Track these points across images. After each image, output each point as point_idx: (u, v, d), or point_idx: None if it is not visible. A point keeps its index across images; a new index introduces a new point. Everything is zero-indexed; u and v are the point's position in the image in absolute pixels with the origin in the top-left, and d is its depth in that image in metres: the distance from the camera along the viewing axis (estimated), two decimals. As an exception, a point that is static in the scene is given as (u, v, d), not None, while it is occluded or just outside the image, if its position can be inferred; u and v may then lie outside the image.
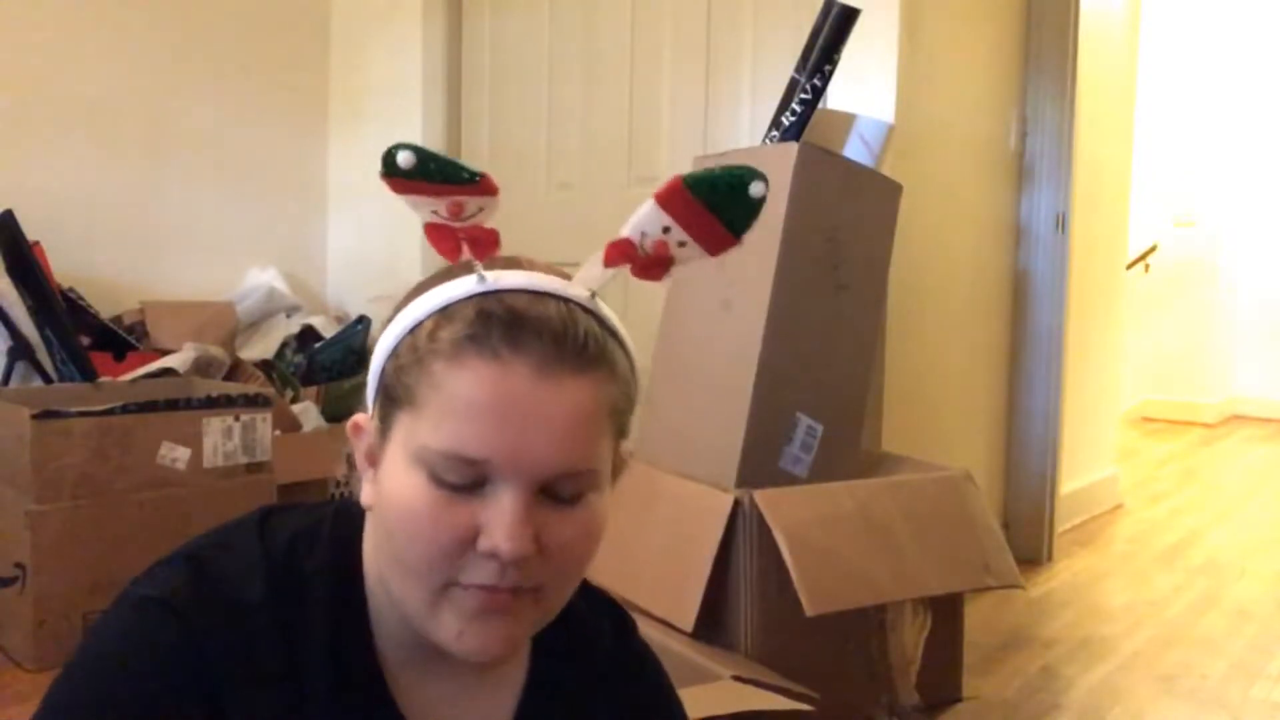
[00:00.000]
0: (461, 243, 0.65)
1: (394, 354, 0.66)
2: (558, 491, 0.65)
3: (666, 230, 0.68)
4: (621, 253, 0.67)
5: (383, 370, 0.67)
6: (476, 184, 0.64)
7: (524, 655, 0.78)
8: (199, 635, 0.65)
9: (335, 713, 0.68)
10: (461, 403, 0.62)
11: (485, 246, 0.66)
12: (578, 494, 0.66)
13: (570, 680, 0.79)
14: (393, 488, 0.65)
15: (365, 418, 0.70)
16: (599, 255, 0.69)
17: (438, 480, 0.63)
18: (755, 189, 0.68)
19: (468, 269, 0.66)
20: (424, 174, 0.63)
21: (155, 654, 0.64)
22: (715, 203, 0.67)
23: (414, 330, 0.65)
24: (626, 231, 0.67)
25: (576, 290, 0.68)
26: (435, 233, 0.65)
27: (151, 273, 3.31)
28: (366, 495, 0.69)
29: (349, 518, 0.74)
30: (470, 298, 0.65)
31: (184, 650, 0.64)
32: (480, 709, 0.75)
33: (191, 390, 2.64)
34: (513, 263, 0.68)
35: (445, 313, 0.65)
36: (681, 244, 0.69)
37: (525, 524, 0.63)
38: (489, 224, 0.66)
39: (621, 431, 0.70)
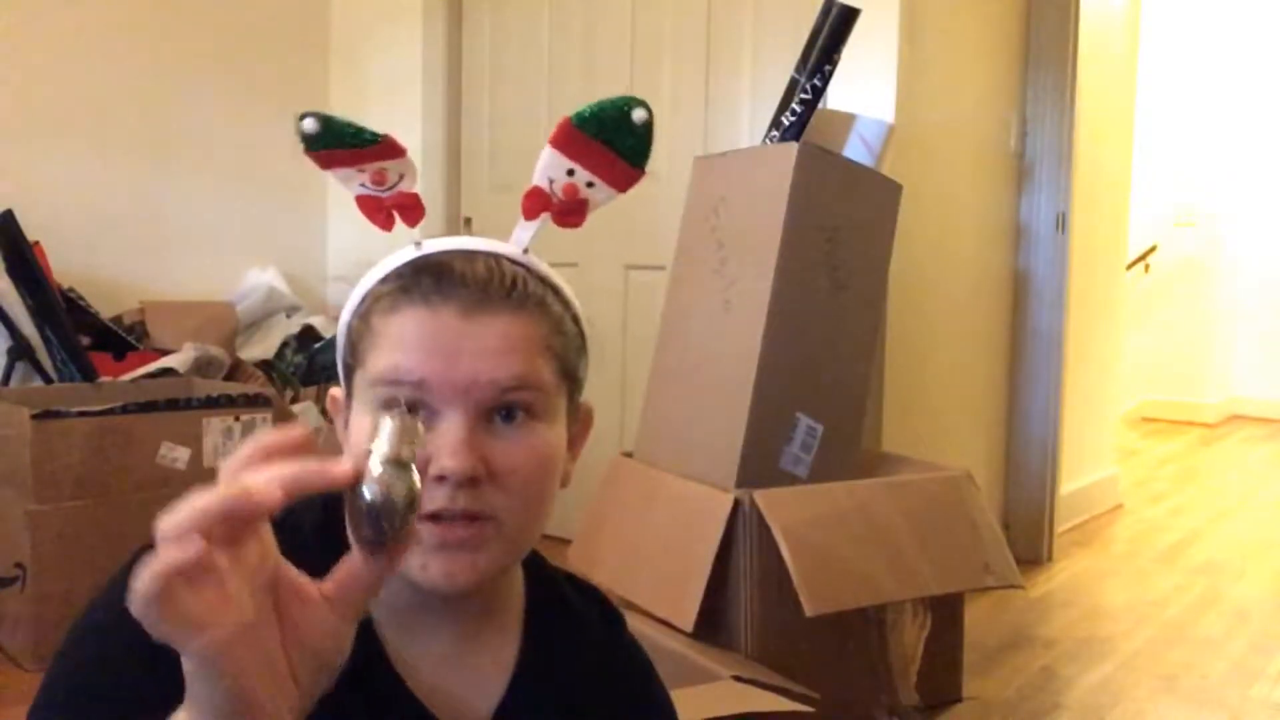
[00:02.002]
0: (391, 211, 0.71)
1: (350, 324, 0.72)
2: (499, 414, 0.69)
3: (571, 173, 0.72)
4: (535, 202, 0.74)
5: (342, 342, 0.73)
6: (379, 144, 0.69)
7: (516, 633, 0.79)
8: None
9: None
10: (395, 339, 0.68)
11: (413, 211, 0.72)
12: (520, 417, 0.69)
13: (561, 661, 0.80)
14: (352, 438, 0.70)
15: (336, 391, 0.74)
16: (518, 221, 0.73)
17: (385, 412, 0.67)
18: (637, 115, 0.71)
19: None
20: (336, 139, 0.69)
21: (144, 664, 0.65)
22: (605, 135, 0.71)
23: (362, 300, 0.71)
24: (535, 180, 0.75)
25: (507, 247, 0.73)
26: (366, 204, 0.71)
27: (151, 273, 3.31)
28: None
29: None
30: (408, 262, 0.70)
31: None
32: (473, 677, 0.76)
33: (191, 390, 2.64)
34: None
35: (387, 279, 0.70)
36: (590, 184, 0.73)
37: (468, 444, 0.66)
38: (412, 190, 0.72)
39: (568, 376, 0.73)
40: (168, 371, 2.78)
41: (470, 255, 0.71)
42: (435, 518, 0.66)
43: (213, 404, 2.38)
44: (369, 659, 0.72)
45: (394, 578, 0.71)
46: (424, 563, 0.67)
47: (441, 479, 0.66)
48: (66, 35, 3.14)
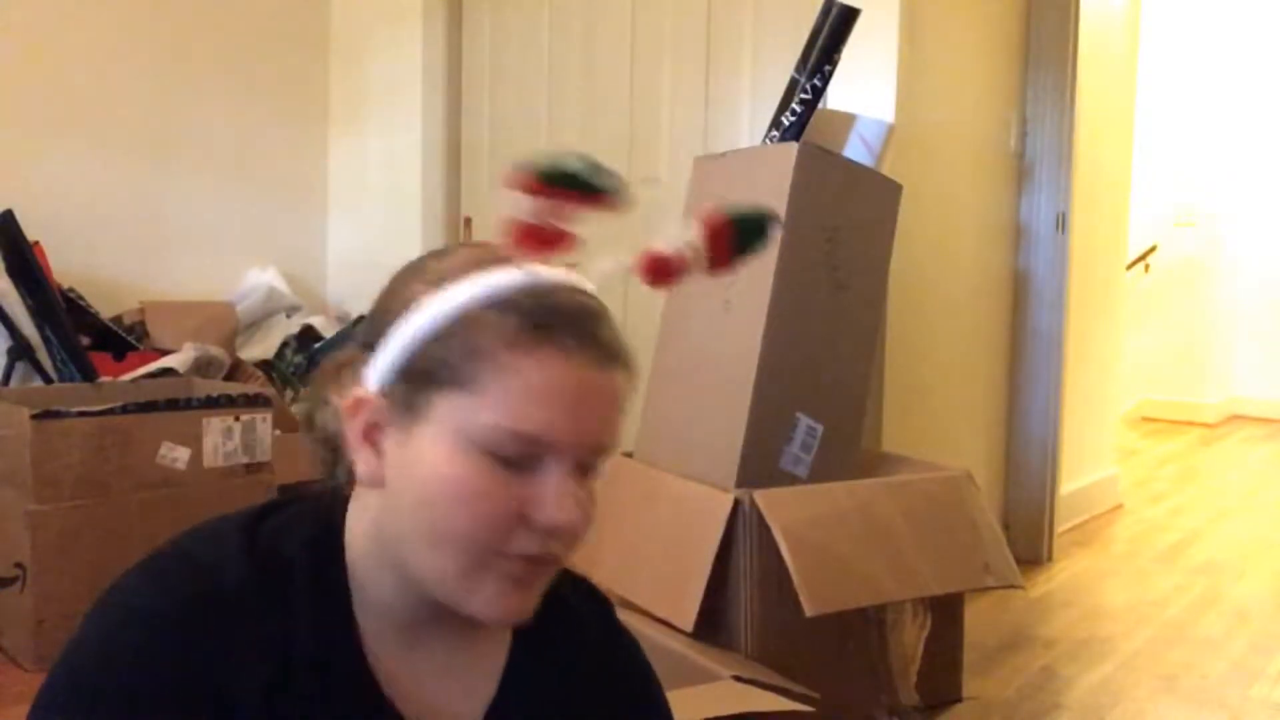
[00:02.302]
0: (539, 243, 0.71)
1: (436, 337, 0.68)
2: (586, 468, 0.70)
3: (694, 251, 0.75)
4: (659, 268, 0.73)
5: (415, 351, 0.69)
6: (606, 194, 0.72)
7: (505, 636, 0.79)
8: (182, 643, 0.67)
9: (317, 691, 0.70)
10: (535, 389, 0.66)
11: (564, 248, 0.72)
12: (597, 472, 0.72)
13: (552, 663, 0.80)
14: (436, 465, 0.67)
15: (367, 394, 0.71)
16: (615, 260, 0.74)
17: (496, 458, 0.67)
18: (773, 230, 0.77)
19: (486, 258, 0.70)
20: (581, 184, 0.72)
21: (141, 670, 0.66)
22: (745, 244, 0.76)
23: (463, 316, 0.68)
24: (668, 250, 0.74)
25: (590, 285, 0.74)
26: (520, 231, 0.70)
27: (151, 273, 3.31)
28: (369, 471, 0.71)
29: (326, 498, 0.76)
30: (520, 289, 0.69)
31: (169, 662, 0.66)
32: (462, 687, 0.77)
33: (191, 390, 2.64)
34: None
35: (501, 303, 0.68)
36: (695, 267, 0.75)
37: (575, 498, 0.68)
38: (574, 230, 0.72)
39: None
40: (168, 371, 2.78)
41: (580, 294, 0.72)
42: (531, 561, 0.69)
43: (213, 404, 2.38)
44: (354, 680, 0.72)
45: (392, 601, 0.72)
46: (495, 596, 0.69)
47: (549, 528, 0.68)
48: (67, 35, 3.14)
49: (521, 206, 0.70)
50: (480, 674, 0.78)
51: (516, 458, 0.67)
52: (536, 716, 0.79)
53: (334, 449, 0.76)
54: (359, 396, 0.71)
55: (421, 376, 0.69)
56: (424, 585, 0.70)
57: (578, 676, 0.81)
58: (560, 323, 0.68)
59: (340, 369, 0.75)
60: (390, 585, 0.72)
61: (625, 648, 0.87)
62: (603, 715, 0.82)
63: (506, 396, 0.66)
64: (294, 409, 0.76)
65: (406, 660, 0.74)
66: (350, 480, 0.75)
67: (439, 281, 0.70)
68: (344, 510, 0.75)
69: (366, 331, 0.74)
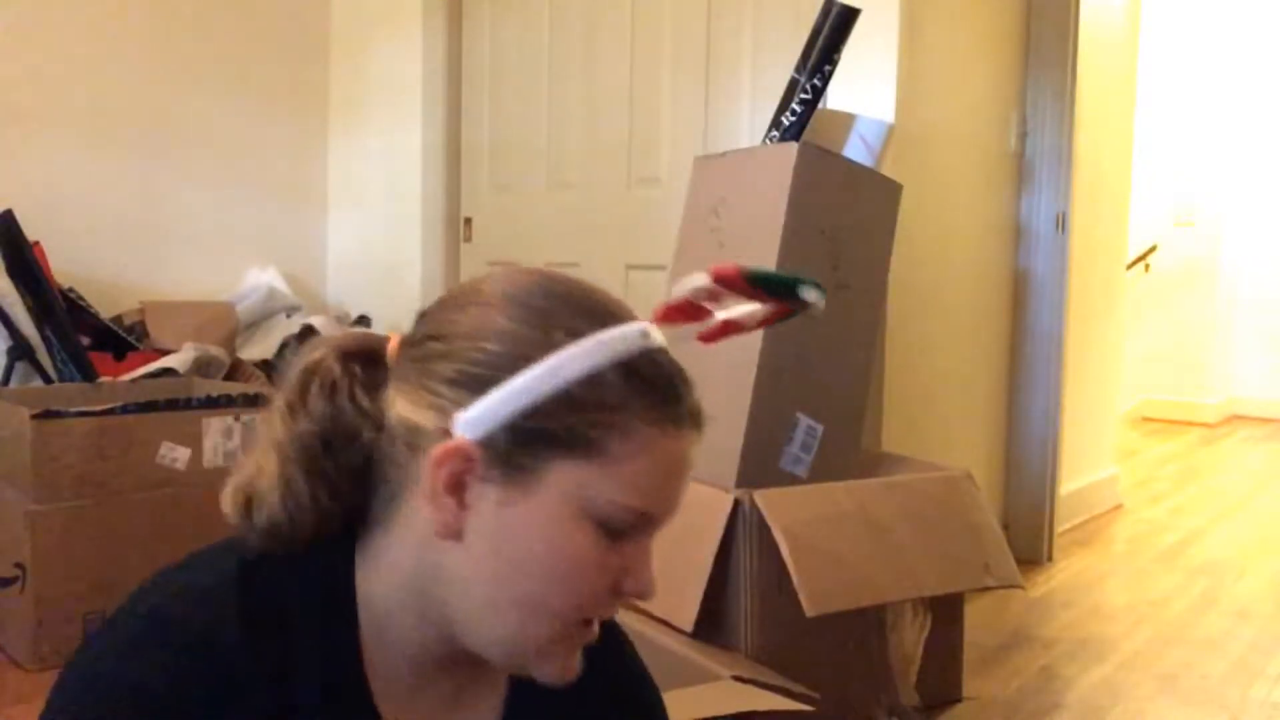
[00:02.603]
0: (686, 316, 0.73)
1: (565, 400, 0.64)
2: None
3: (750, 313, 0.77)
4: (717, 330, 0.74)
5: (538, 410, 0.64)
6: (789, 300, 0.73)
7: (503, 677, 0.79)
8: (179, 712, 0.63)
9: None
10: (661, 466, 0.66)
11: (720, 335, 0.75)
12: None
13: (551, 700, 0.79)
14: (549, 535, 0.65)
15: (468, 446, 0.65)
16: (688, 331, 0.75)
17: (608, 531, 0.66)
18: (807, 296, 0.76)
19: (596, 307, 0.68)
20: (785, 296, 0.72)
21: None
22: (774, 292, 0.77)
23: (591, 379, 0.65)
24: (741, 319, 0.74)
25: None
26: (679, 307, 0.72)
27: (151, 273, 3.31)
28: (447, 523, 0.66)
29: (334, 544, 0.71)
30: (641, 353, 0.67)
31: None
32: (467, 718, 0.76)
33: (191, 390, 2.64)
34: (614, 306, 0.71)
35: (629, 369, 0.66)
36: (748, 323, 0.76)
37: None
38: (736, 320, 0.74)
39: None
40: (168, 371, 2.78)
41: (675, 360, 0.71)
42: (589, 622, 0.69)
43: (213, 404, 2.38)
44: None
45: (406, 645, 0.70)
46: (565, 661, 0.69)
47: (639, 597, 0.69)
48: (67, 35, 3.14)
49: (698, 289, 0.72)
50: (485, 705, 0.77)
51: (624, 531, 0.66)
52: None
53: (353, 474, 0.69)
54: (456, 446, 0.65)
55: (542, 438, 0.64)
56: (476, 643, 0.68)
57: (577, 694, 0.80)
58: (680, 397, 0.68)
59: (352, 372, 0.70)
60: (412, 630, 0.70)
61: (623, 656, 0.87)
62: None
63: (635, 473, 0.65)
64: (291, 429, 0.68)
65: (413, 700, 0.72)
66: (333, 515, 0.69)
67: (562, 330, 0.66)
68: (349, 554, 0.70)
69: (443, 360, 0.67)
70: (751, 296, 0.72)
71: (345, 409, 0.70)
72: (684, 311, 0.72)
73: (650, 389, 0.66)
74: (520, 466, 0.64)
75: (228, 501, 0.70)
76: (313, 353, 0.73)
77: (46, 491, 2.16)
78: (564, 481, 0.64)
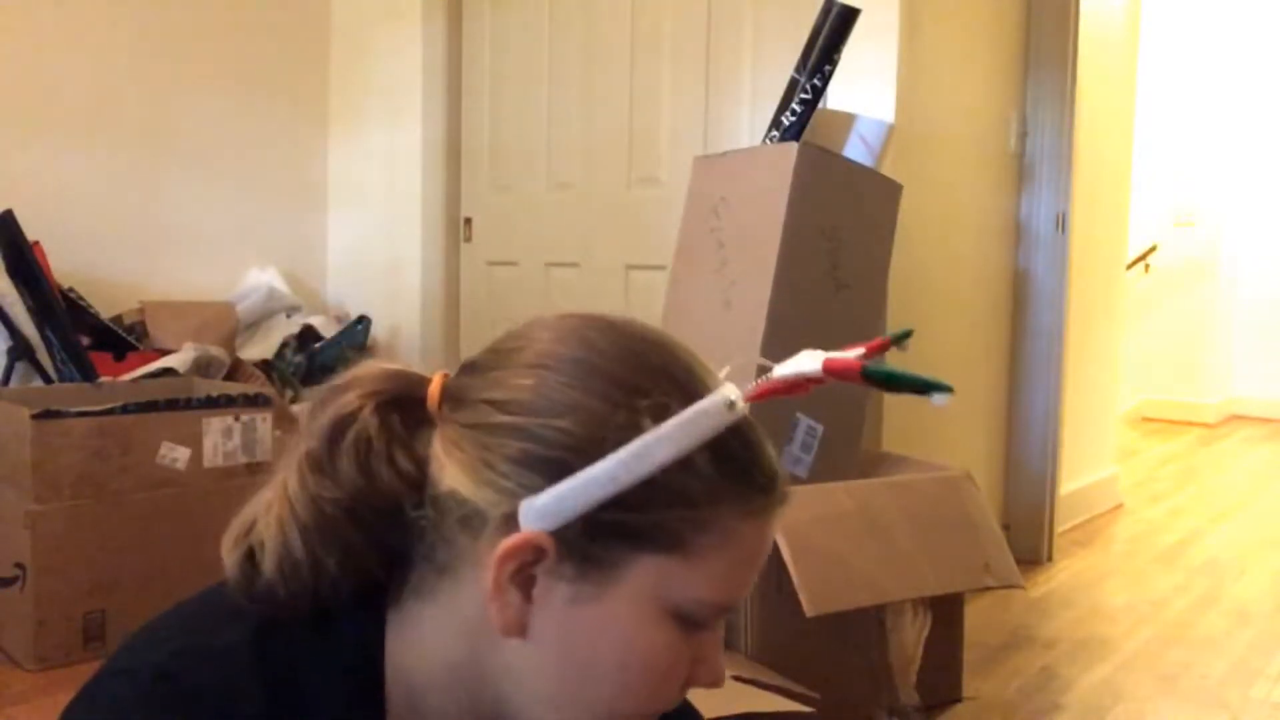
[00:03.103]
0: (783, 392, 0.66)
1: (647, 488, 0.57)
2: None
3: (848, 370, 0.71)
4: (786, 388, 0.70)
5: (618, 501, 0.57)
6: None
7: None
8: None
9: None
10: (747, 558, 0.61)
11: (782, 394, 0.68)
12: None
13: None
14: (622, 635, 0.59)
15: (540, 538, 0.58)
16: (760, 384, 0.70)
17: (687, 626, 0.60)
18: (936, 400, 0.69)
19: (685, 378, 0.61)
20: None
21: None
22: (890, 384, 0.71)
23: (682, 465, 0.58)
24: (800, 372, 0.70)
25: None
26: (777, 389, 0.66)
27: (151, 273, 3.31)
28: (509, 619, 0.59)
29: (364, 609, 0.64)
30: (728, 430, 0.60)
31: None
32: None
33: (191, 390, 2.64)
34: (690, 358, 0.65)
35: (716, 452, 0.59)
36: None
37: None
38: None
39: None
40: (168, 371, 2.78)
41: (758, 426, 0.64)
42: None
43: (213, 404, 2.38)
44: None
45: (454, 714, 0.64)
46: None
47: (711, 686, 0.64)
48: (67, 35, 3.14)
49: (801, 373, 0.65)
50: None
51: (702, 623, 0.61)
52: None
53: (386, 548, 0.62)
54: (527, 539, 0.58)
55: (623, 532, 0.58)
56: None
57: None
58: (768, 479, 0.61)
59: (390, 430, 0.62)
60: (451, 712, 0.64)
61: None
62: None
63: (725, 567, 0.60)
64: (306, 492, 0.60)
65: None
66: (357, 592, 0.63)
67: (646, 411, 0.59)
68: (381, 622, 0.63)
69: (509, 434, 0.59)
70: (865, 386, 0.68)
71: (381, 475, 0.62)
72: (782, 390, 0.67)
73: (743, 476, 0.60)
74: (597, 562, 0.58)
75: (228, 548, 0.63)
76: (344, 396, 0.63)
77: (46, 491, 2.16)
78: (645, 579, 0.58)
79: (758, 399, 0.65)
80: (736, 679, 1.67)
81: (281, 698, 0.59)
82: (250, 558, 0.62)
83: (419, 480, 0.61)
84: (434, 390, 0.64)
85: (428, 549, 0.62)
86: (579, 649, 0.59)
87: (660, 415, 0.58)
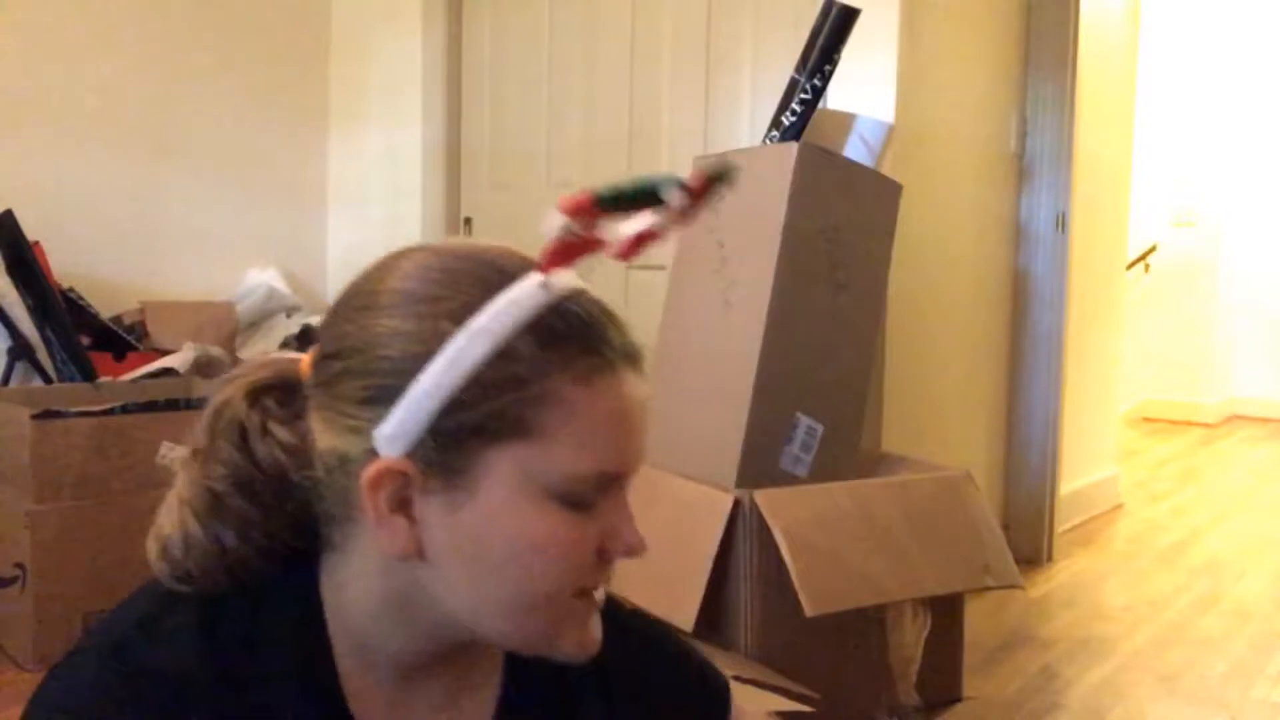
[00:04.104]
0: (571, 254, 0.65)
1: (479, 384, 0.60)
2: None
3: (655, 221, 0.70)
4: (639, 243, 0.69)
5: (453, 404, 0.60)
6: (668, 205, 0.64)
7: (499, 661, 0.76)
8: None
9: None
10: (599, 422, 0.62)
11: (591, 253, 0.66)
12: None
13: (550, 678, 0.77)
14: (512, 528, 0.61)
15: (397, 463, 0.61)
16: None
17: (573, 504, 0.62)
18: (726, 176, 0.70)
19: (487, 273, 0.63)
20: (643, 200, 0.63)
21: None
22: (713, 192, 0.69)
23: (501, 353, 0.60)
24: (652, 228, 0.69)
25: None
26: (558, 248, 0.64)
27: (151, 273, 3.31)
28: (403, 544, 0.62)
29: (295, 572, 0.68)
30: (547, 308, 0.62)
31: None
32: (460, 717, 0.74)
33: (191, 390, 2.64)
34: (488, 252, 0.66)
35: (535, 330, 0.61)
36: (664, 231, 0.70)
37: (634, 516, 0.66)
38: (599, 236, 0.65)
39: None
40: (168, 371, 2.78)
41: (593, 298, 0.66)
42: (587, 593, 0.66)
43: (213, 404, 2.38)
44: None
45: (392, 657, 0.67)
46: (581, 639, 0.67)
47: (628, 555, 0.66)
48: (67, 35, 3.13)
49: (563, 225, 0.63)
50: (477, 704, 0.74)
51: (590, 498, 0.63)
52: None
53: (291, 511, 0.67)
54: (386, 467, 0.61)
55: (467, 433, 0.60)
56: (489, 642, 0.67)
57: (571, 678, 0.78)
58: (601, 339, 0.63)
59: (262, 410, 0.67)
60: (399, 644, 0.67)
61: (621, 614, 0.83)
62: (628, 704, 0.79)
63: (576, 438, 0.61)
64: (197, 480, 0.67)
65: (401, 708, 0.70)
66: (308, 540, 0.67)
67: (452, 315, 0.61)
68: (314, 580, 0.68)
69: (345, 379, 0.63)
70: (614, 218, 0.67)
71: (259, 450, 0.66)
72: (566, 252, 0.65)
73: (565, 344, 0.61)
74: (457, 468, 0.61)
75: (148, 547, 0.68)
76: (220, 392, 0.69)
77: (46, 491, 2.15)
78: (506, 469, 0.61)
79: (553, 268, 0.64)
80: (736, 679, 1.67)
81: (233, 664, 0.63)
82: (165, 550, 0.67)
83: (302, 449, 0.66)
84: (304, 366, 0.68)
85: (327, 506, 0.66)
86: (473, 552, 0.62)
87: (464, 316, 0.61)
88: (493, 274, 0.63)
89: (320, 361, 0.65)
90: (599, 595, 0.68)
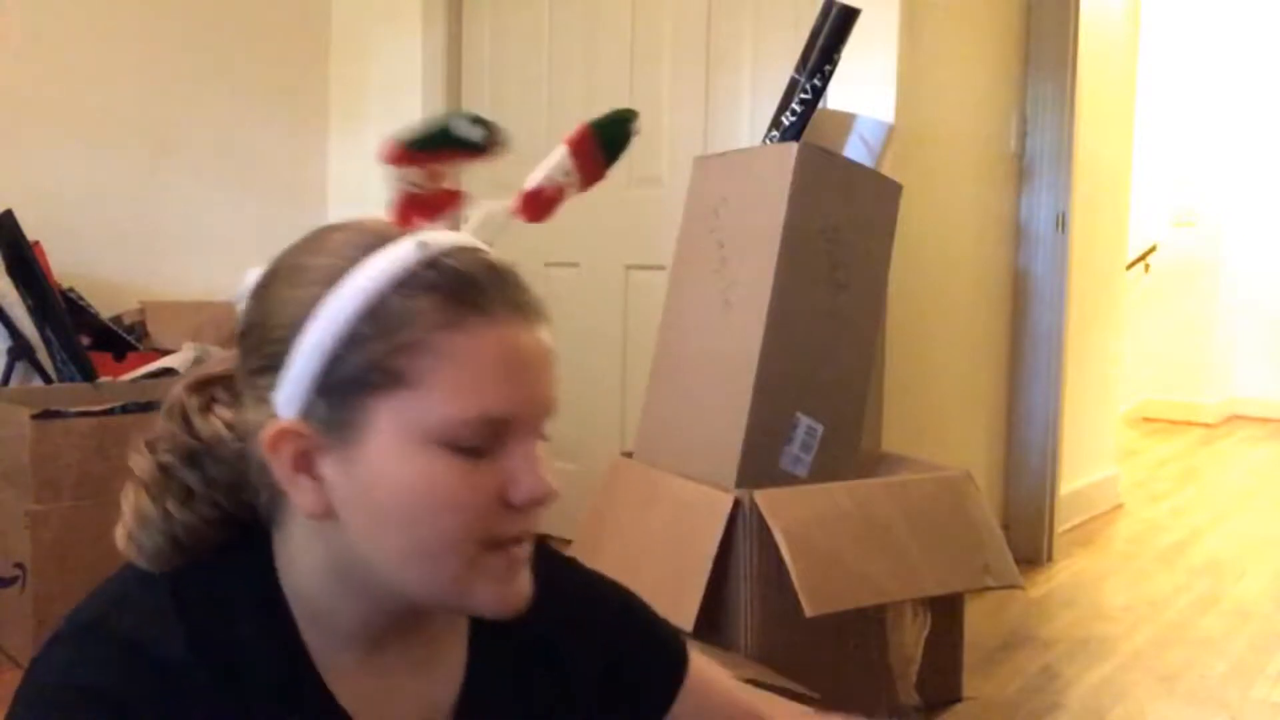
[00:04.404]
0: (424, 209, 0.67)
1: (353, 339, 0.63)
2: (543, 433, 0.67)
3: (567, 174, 0.74)
4: (536, 202, 0.71)
5: (332, 361, 0.63)
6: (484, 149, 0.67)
7: (463, 631, 0.77)
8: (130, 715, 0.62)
9: None
10: (476, 367, 0.63)
11: (451, 209, 0.69)
12: (544, 435, 0.68)
13: (511, 646, 0.78)
14: (398, 478, 0.63)
15: (291, 424, 0.64)
16: (489, 207, 0.72)
17: (459, 450, 0.63)
18: (635, 128, 0.74)
19: (369, 239, 0.66)
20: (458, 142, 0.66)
21: None
22: (613, 148, 0.74)
23: (373, 310, 0.63)
24: (541, 182, 0.73)
25: (487, 246, 0.69)
26: (403, 202, 0.67)
27: (151, 273, 3.31)
28: (312, 504, 0.65)
29: (249, 547, 0.71)
30: (420, 263, 0.64)
31: None
32: (427, 687, 0.74)
33: (191, 390, 2.64)
34: (384, 227, 0.69)
35: (408, 284, 0.63)
36: (570, 189, 0.74)
37: (545, 465, 0.65)
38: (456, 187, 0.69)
39: None
40: (168, 371, 2.78)
41: (476, 253, 0.66)
42: (515, 541, 0.66)
43: (213, 404, 2.38)
44: (312, 702, 0.68)
45: (350, 627, 0.69)
46: (500, 593, 0.66)
47: (530, 503, 0.65)
48: (67, 35, 3.13)
49: (399, 179, 0.68)
50: (444, 671, 0.75)
51: (479, 444, 0.63)
52: (505, 700, 0.77)
53: (234, 484, 0.70)
54: (280, 428, 0.64)
55: (348, 387, 0.63)
56: (412, 600, 0.67)
57: (536, 650, 0.79)
58: (476, 289, 0.63)
59: (207, 395, 0.71)
60: (352, 612, 0.69)
61: (566, 595, 0.83)
62: (581, 668, 0.80)
63: (451, 383, 0.62)
64: (148, 459, 0.71)
65: (369, 678, 0.71)
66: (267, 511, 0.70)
67: (329, 278, 0.64)
68: (268, 555, 0.70)
69: (250, 353, 0.67)
70: (435, 163, 0.70)
71: (200, 426, 0.70)
72: (417, 206, 0.70)
73: (436, 294, 0.62)
74: (345, 423, 0.63)
75: (118, 538, 0.71)
76: (173, 388, 0.74)
77: (46, 491, 2.15)
78: (389, 420, 0.62)
79: (421, 216, 0.68)
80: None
81: (204, 631, 0.66)
82: (129, 535, 0.70)
83: (241, 430, 0.69)
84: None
85: (260, 478, 0.68)
86: (369, 503, 0.64)
87: (335, 278, 0.64)
88: (374, 239, 0.66)
89: (238, 343, 0.69)
90: (521, 550, 0.67)
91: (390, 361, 0.62)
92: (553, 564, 0.83)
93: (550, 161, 0.71)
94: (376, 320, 0.62)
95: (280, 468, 0.65)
